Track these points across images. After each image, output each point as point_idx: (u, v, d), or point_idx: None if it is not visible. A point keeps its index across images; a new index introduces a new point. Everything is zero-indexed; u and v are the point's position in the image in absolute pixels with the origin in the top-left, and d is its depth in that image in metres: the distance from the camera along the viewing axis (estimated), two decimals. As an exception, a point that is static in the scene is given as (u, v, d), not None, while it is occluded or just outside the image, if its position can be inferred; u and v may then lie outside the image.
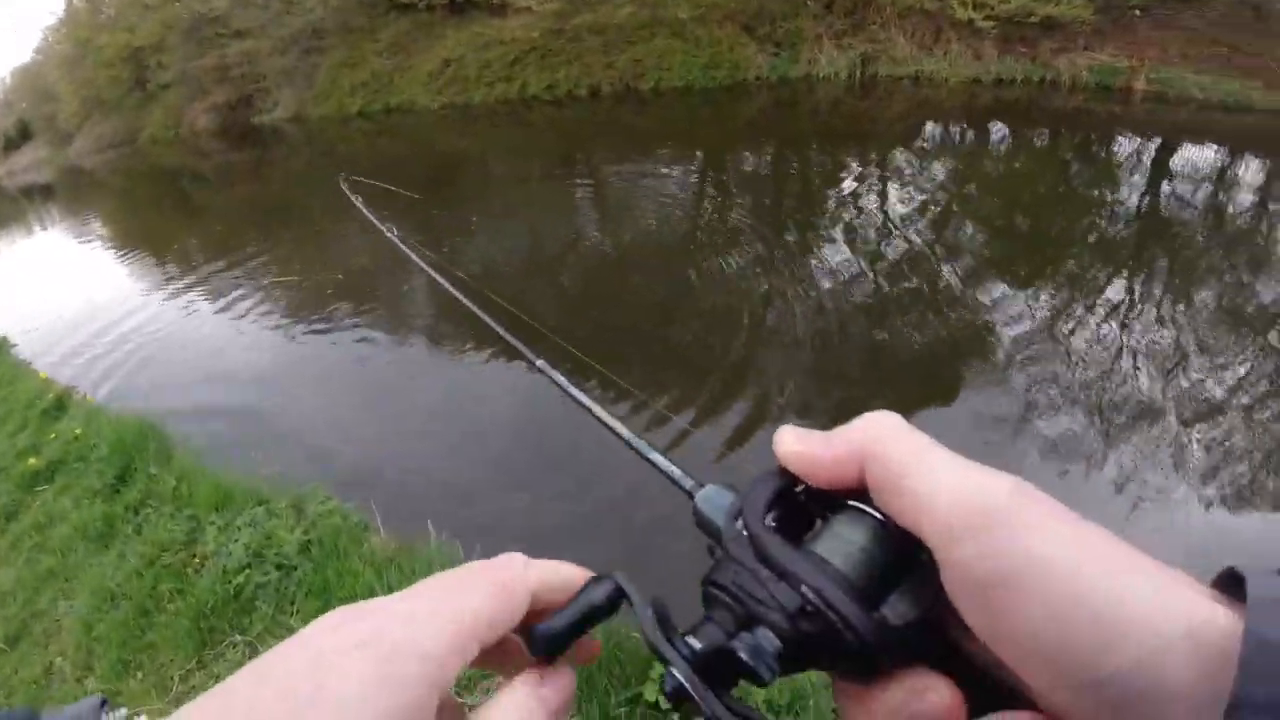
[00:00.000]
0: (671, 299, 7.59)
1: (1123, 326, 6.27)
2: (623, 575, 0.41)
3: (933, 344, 6.28)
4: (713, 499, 0.45)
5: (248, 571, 3.54)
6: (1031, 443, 5.03)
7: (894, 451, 0.36)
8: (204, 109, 24.99)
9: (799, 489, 0.40)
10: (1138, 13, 13.49)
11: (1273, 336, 6.07)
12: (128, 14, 26.83)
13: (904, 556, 0.36)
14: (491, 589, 0.40)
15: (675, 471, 0.53)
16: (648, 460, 0.60)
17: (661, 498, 4.40)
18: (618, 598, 0.41)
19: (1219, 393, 5.38)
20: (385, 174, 15.32)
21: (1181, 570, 0.31)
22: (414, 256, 1.97)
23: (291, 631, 3.18)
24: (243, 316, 8.67)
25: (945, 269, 7.44)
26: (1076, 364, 5.83)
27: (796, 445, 0.39)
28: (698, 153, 13.02)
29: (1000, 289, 6.95)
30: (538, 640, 0.40)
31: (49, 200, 22.10)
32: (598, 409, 0.76)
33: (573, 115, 17.58)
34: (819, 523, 0.39)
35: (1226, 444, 4.95)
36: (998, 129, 12.62)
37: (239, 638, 3.26)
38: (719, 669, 0.36)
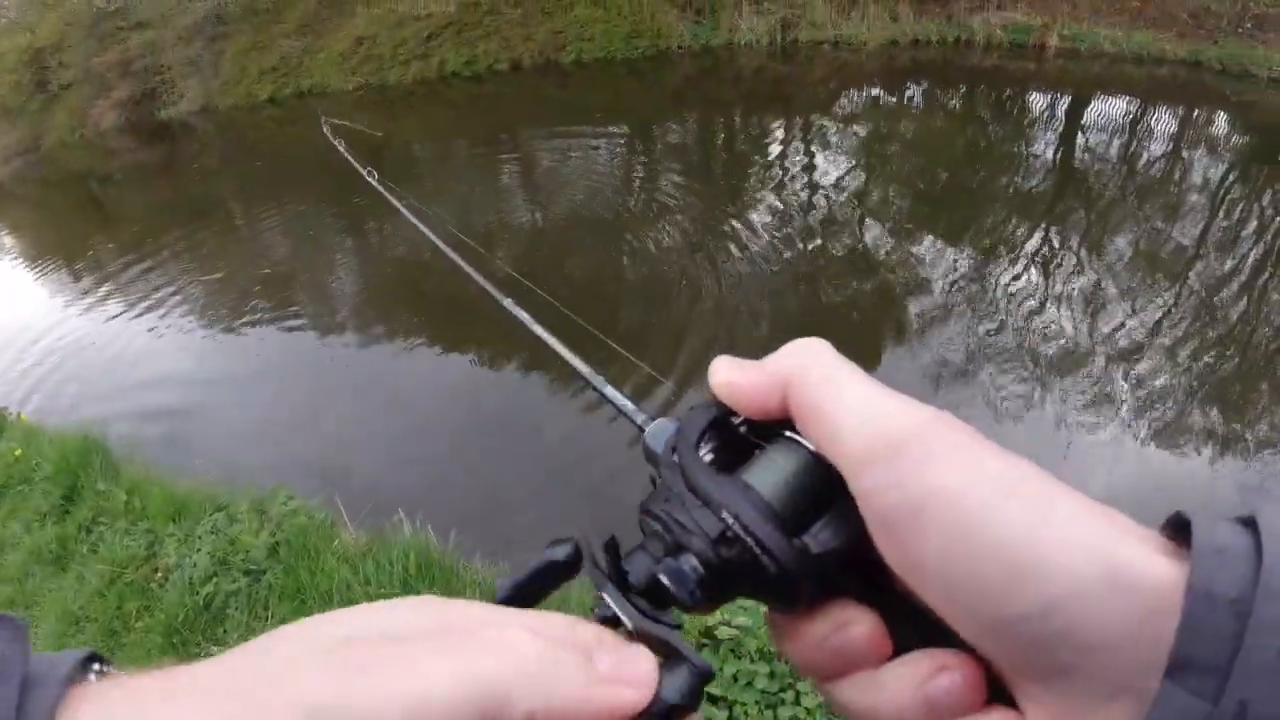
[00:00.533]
0: (605, 275, 7.63)
1: (1047, 275, 6.50)
2: (581, 536, 0.40)
3: (868, 300, 6.44)
4: (659, 432, 0.45)
5: (215, 580, 3.49)
6: (970, 390, 5.21)
7: (813, 378, 0.36)
8: (108, 106, 23.84)
9: (739, 420, 0.40)
10: (1049, -31, 13.82)
11: (1192, 277, 6.35)
12: (27, 14, 25.46)
13: (834, 489, 0.36)
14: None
15: (629, 406, 0.55)
16: (604, 396, 0.63)
17: (615, 481, 4.53)
18: (577, 556, 0.40)
19: (1141, 334, 5.62)
20: (303, 162, 14.96)
21: (1119, 511, 0.30)
22: (393, 200, 1.98)
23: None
24: (169, 319, 8.46)
25: (874, 227, 7.62)
26: (1005, 313, 6.04)
27: (726, 375, 0.39)
28: (625, 124, 12.99)
29: (928, 244, 7.15)
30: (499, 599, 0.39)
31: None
32: (561, 348, 0.80)
33: (494, 91, 17.28)
34: (756, 453, 0.39)
35: (1152, 383, 5.19)
36: (916, 89, 12.88)
37: (214, 649, 3.19)
38: (654, 597, 0.37)
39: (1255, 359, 5.49)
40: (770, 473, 0.37)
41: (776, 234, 7.74)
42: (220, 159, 18.11)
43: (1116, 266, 6.55)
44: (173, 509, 4.13)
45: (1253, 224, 7.32)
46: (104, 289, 9.93)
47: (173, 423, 6.19)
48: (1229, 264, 6.56)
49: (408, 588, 3.14)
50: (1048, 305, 6.06)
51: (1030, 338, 5.70)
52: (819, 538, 0.35)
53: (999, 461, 0.31)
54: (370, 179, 2.37)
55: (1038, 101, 11.66)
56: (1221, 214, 7.54)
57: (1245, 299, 6.07)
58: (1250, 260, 6.63)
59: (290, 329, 7.51)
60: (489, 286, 1.18)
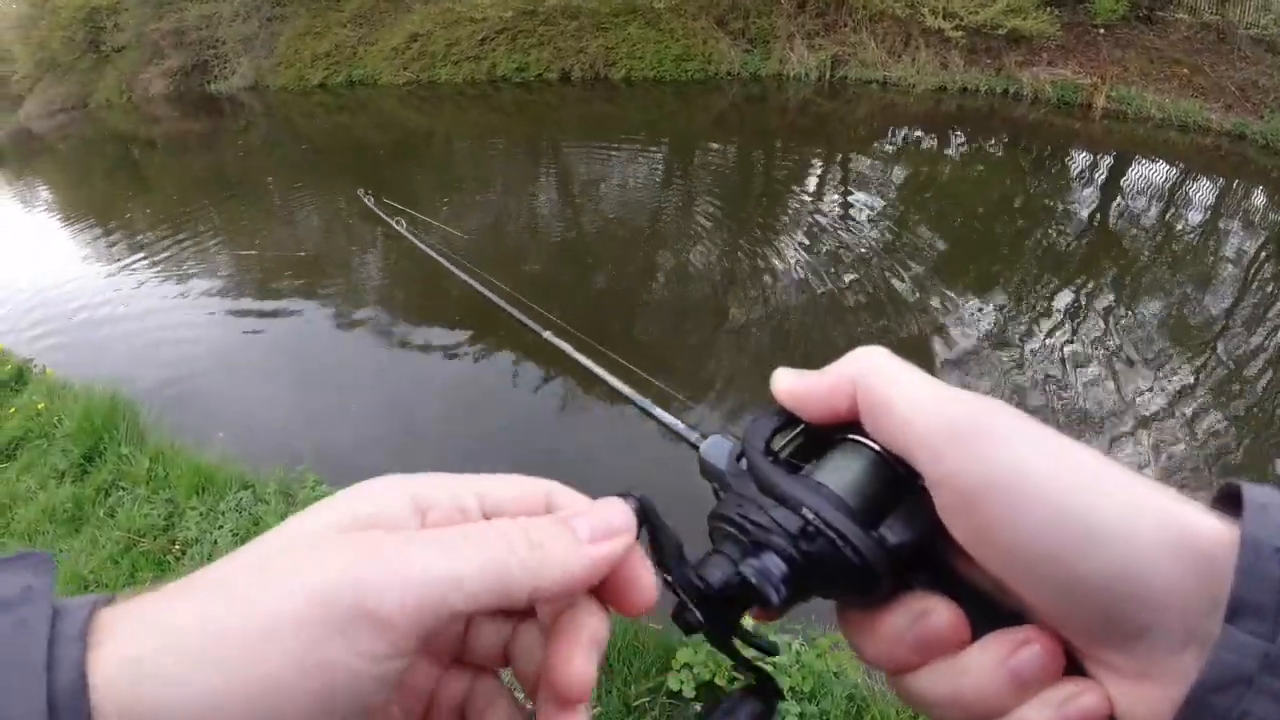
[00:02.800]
0: (633, 289, 7.67)
1: (1072, 333, 6.46)
2: (645, 496, 0.40)
3: (896, 340, 6.38)
4: (716, 446, 0.45)
5: None
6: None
7: (881, 377, 0.38)
8: (159, 74, 24.24)
9: (799, 429, 0.42)
10: (1102, 31, 13.78)
11: (1219, 348, 6.31)
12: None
13: (900, 486, 0.38)
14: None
15: (680, 426, 0.55)
16: (653, 417, 0.64)
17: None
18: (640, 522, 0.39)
19: (1163, 401, 5.58)
20: (347, 151, 15.12)
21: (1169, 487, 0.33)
22: (436, 255, 1.99)
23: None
24: (199, 290, 8.55)
25: (906, 269, 7.58)
26: (1031, 367, 6.01)
27: (791, 381, 0.41)
28: (667, 144, 13.05)
29: (959, 291, 7.11)
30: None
31: (-4, 164, 21.27)
32: (606, 374, 0.83)
33: (542, 99, 17.47)
34: (821, 458, 0.40)
35: (1171, 450, 5.15)
36: (959, 137, 12.82)
37: None
38: (731, 599, 0.38)
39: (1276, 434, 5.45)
40: (840, 472, 0.38)
41: (807, 266, 7.74)
42: (265, 138, 18.30)
43: (1145, 330, 6.51)
44: (197, 481, 4.07)
45: (1282, 302, 7.26)
46: (137, 254, 10.03)
47: (196, 393, 6.20)
48: (1257, 339, 6.52)
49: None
50: (1074, 364, 6.03)
51: (1054, 395, 5.69)
52: (894, 529, 0.37)
53: (1060, 439, 0.34)
54: (399, 228, 2.39)
55: (1080, 159, 11.58)
56: (1254, 289, 7.48)
57: (1271, 373, 6.03)
58: (1279, 337, 6.58)
59: (320, 314, 7.54)
60: (530, 322, 1.17)
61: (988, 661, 0.35)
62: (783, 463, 0.40)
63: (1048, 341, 6.34)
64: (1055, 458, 0.33)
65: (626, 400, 0.73)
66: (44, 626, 0.28)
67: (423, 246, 2.13)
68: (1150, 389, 5.74)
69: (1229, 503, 0.33)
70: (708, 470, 0.45)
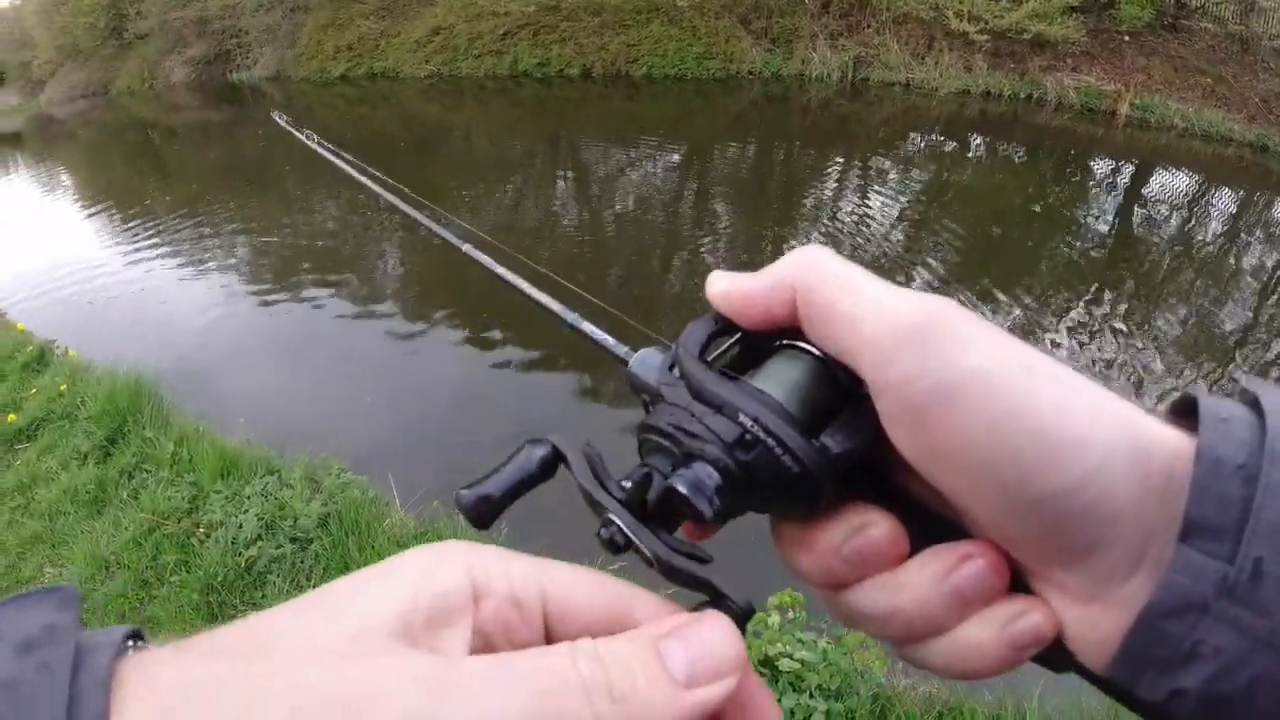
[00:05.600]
0: (647, 290, 7.65)
1: (1089, 339, 6.40)
2: (558, 437, 0.38)
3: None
4: (646, 360, 0.43)
5: (260, 543, 3.41)
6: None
7: (824, 279, 0.35)
8: (181, 62, 24.39)
9: (735, 336, 0.39)
10: (1127, 38, 13.70)
11: (1238, 359, 6.26)
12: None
13: (842, 393, 0.36)
14: None
15: (609, 340, 0.53)
16: (580, 332, 0.61)
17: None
18: (553, 461, 0.37)
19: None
20: (367, 142, 15.15)
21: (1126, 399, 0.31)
22: (342, 164, 2.00)
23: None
24: (219, 276, 8.58)
25: (922, 272, 7.55)
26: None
27: (727, 285, 0.38)
28: (686, 142, 13.04)
29: (975, 296, 7.06)
30: (468, 506, 0.36)
31: (16, 148, 21.41)
32: (528, 287, 0.77)
33: (563, 95, 17.51)
34: (759, 365, 0.38)
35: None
36: (981, 141, 12.76)
37: (251, 612, 3.14)
38: (658, 516, 0.35)
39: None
40: (779, 378, 0.36)
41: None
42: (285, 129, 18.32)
43: (1163, 341, 6.46)
44: (222, 465, 4.03)
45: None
46: (156, 240, 10.05)
47: (215, 378, 6.20)
48: (1276, 350, 6.47)
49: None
50: (1092, 370, 5.99)
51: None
52: (836, 437, 0.34)
53: (1014, 343, 0.32)
54: (309, 141, 2.40)
55: (1102, 167, 11.52)
56: (1272, 301, 7.42)
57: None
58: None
59: (338, 304, 7.52)
60: (439, 229, 1.10)
61: (927, 577, 0.33)
62: (719, 370, 0.37)
63: (1066, 347, 6.30)
64: (1015, 362, 0.31)
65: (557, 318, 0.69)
66: (66, 670, 0.25)
67: (326, 154, 2.16)
68: (1168, 396, 5.69)
69: (1185, 414, 0.31)
70: (637, 384, 0.42)
